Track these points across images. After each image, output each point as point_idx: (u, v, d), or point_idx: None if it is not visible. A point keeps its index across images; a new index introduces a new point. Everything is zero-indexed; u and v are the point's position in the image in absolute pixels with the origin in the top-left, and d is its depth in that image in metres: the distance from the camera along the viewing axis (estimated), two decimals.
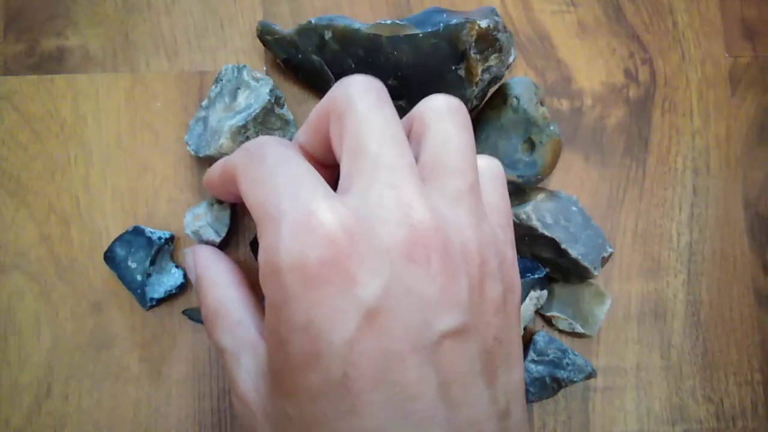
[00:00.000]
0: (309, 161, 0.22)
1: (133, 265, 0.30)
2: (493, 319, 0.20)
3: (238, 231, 0.32)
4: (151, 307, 0.30)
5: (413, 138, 0.21)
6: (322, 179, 0.20)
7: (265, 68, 0.33)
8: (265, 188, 0.19)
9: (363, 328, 0.17)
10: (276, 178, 0.19)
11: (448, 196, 0.20)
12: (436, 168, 0.20)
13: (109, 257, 0.30)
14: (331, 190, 0.19)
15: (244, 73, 0.30)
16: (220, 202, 0.29)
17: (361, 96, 0.20)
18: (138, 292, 0.29)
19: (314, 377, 0.18)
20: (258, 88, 0.30)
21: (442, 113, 0.21)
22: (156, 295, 0.30)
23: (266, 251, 0.18)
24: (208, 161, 0.31)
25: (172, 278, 0.30)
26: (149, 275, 0.30)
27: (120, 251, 0.30)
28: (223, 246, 0.31)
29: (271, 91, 0.30)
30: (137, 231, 0.30)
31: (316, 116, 0.22)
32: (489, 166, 0.23)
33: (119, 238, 0.30)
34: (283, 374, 0.19)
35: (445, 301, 0.18)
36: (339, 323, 0.17)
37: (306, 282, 0.17)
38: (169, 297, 0.30)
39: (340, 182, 0.20)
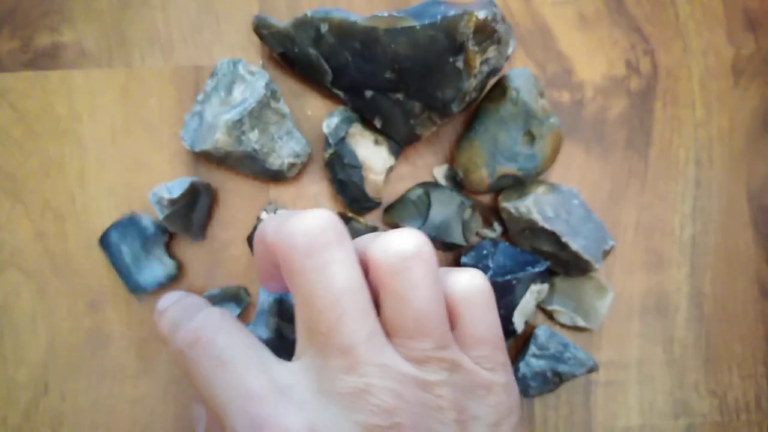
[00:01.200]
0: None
1: (126, 251, 0.29)
2: None
3: (233, 226, 0.32)
4: (139, 293, 0.30)
5: (372, 286, 0.20)
6: (267, 364, 0.18)
7: (261, 62, 0.33)
8: (209, 403, 0.18)
9: None
10: (215, 389, 0.18)
11: (413, 358, 0.19)
12: (397, 330, 0.19)
13: (104, 242, 0.30)
14: (282, 376, 0.18)
15: (240, 67, 0.30)
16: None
17: (305, 262, 0.18)
18: (130, 281, 0.29)
19: None
20: (253, 82, 0.30)
21: (397, 269, 0.19)
22: (145, 284, 0.29)
23: None
24: (203, 156, 0.31)
25: (164, 268, 0.30)
26: (136, 259, 0.29)
27: (114, 236, 0.30)
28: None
29: (266, 84, 0.30)
30: (134, 218, 0.30)
31: (259, 248, 0.20)
32: (469, 292, 0.20)
33: (115, 224, 0.30)
34: None
35: None
36: None
37: None
38: (161, 288, 0.30)
39: (298, 342, 0.19)
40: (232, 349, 0.19)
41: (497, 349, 0.21)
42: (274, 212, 0.31)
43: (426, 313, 0.19)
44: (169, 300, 0.22)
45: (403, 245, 0.19)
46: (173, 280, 0.31)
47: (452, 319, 0.20)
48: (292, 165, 0.31)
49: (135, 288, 0.30)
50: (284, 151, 0.30)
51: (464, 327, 0.20)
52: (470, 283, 0.21)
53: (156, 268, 0.30)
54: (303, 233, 0.19)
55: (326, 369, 0.18)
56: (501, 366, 0.21)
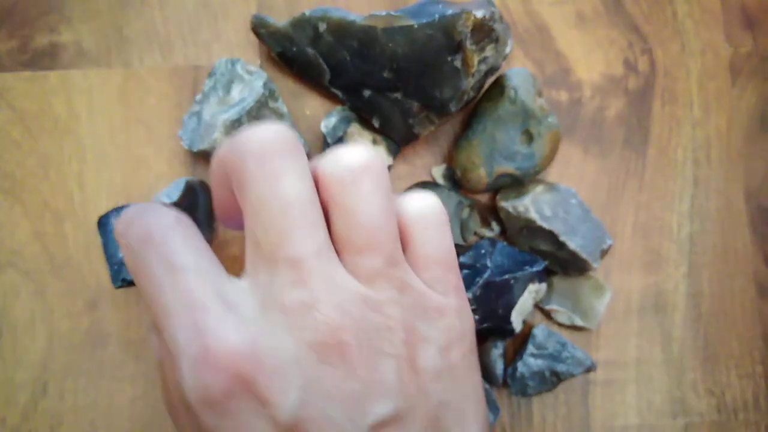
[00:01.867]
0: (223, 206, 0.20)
1: None
2: (435, 386, 0.19)
3: None
4: (120, 287, 0.29)
5: (323, 202, 0.19)
6: (217, 277, 0.18)
7: (259, 62, 0.33)
8: (152, 304, 0.18)
9: None
10: (163, 296, 0.17)
11: (362, 276, 0.18)
12: (346, 245, 0.18)
13: (102, 223, 0.29)
14: (231, 292, 0.18)
15: (238, 67, 0.30)
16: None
17: (257, 167, 0.18)
18: (114, 267, 0.29)
19: None
20: (252, 81, 0.30)
21: (346, 182, 0.18)
22: (129, 277, 0.29)
23: (174, 389, 0.18)
24: (202, 156, 0.31)
25: None
26: None
27: (113, 221, 0.29)
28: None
29: (264, 84, 0.30)
30: None
31: (215, 175, 0.20)
32: (421, 212, 0.20)
33: (118, 209, 0.29)
34: None
35: (371, 392, 0.17)
36: None
37: (218, 414, 0.17)
38: None
39: (246, 259, 0.19)
40: (184, 254, 0.18)
41: (450, 272, 0.20)
42: None
43: (375, 226, 0.18)
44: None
45: (354, 158, 0.18)
46: None
47: (404, 242, 0.20)
48: None
49: (115, 278, 0.29)
50: None
51: (416, 248, 0.20)
52: (422, 203, 0.20)
53: None
54: (256, 140, 0.18)
55: (273, 284, 0.17)
56: (453, 289, 0.20)
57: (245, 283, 0.18)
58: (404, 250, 0.20)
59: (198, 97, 0.31)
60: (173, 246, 0.18)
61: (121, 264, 0.29)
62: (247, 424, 0.17)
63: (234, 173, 0.18)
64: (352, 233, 0.18)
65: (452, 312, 0.20)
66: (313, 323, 0.17)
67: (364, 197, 0.18)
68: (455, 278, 0.21)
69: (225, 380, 0.16)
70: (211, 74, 0.31)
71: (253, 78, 0.30)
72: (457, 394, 0.19)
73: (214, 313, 0.17)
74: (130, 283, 0.29)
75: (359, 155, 0.19)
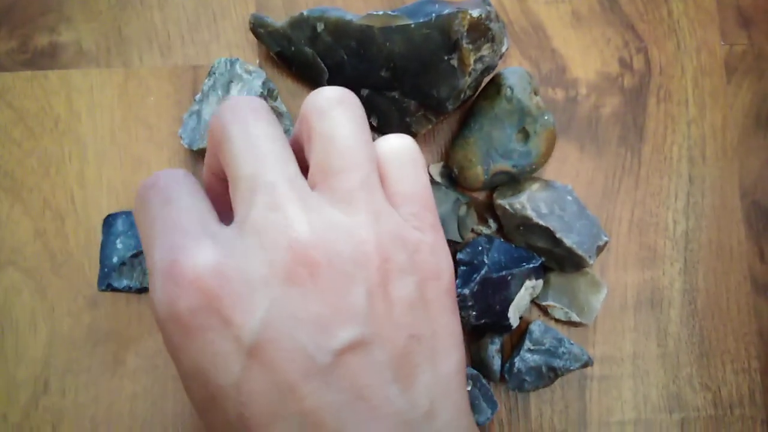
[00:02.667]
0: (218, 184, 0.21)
1: (119, 246, 0.29)
2: (406, 318, 0.19)
3: None
4: (103, 290, 0.29)
5: (304, 141, 0.20)
6: (206, 214, 0.19)
7: (258, 61, 0.33)
8: (144, 237, 0.19)
9: (248, 366, 0.17)
10: (154, 225, 0.19)
11: (338, 199, 0.19)
12: (323, 171, 0.19)
13: (108, 223, 0.30)
14: (214, 227, 0.19)
15: (237, 66, 0.30)
16: None
17: (231, 119, 0.19)
18: (104, 270, 0.29)
19: (215, 417, 0.18)
20: (250, 80, 0.30)
21: (323, 110, 0.20)
22: (114, 284, 0.29)
23: (150, 303, 0.18)
24: (202, 154, 0.31)
25: (142, 279, 0.30)
26: (123, 264, 0.29)
27: (119, 225, 0.30)
28: None
29: (263, 83, 0.30)
30: None
31: (209, 145, 0.21)
32: (397, 150, 0.21)
33: (128, 213, 0.30)
34: (197, 413, 0.19)
35: (338, 316, 0.17)
36: (223, 367, 0.17)
37: (182, 332, 0.17)
38: (128, 292, 0.30)
39: (233, 206, 0.20)
40: (180, 193, 0.19)
41: (426, 209, 0.21)
42: None
43: (350, 148, 0.19)
44: None
45: (330, 92, 0.20)
46: (144, 291, 0.31)
47: (381, 180, 0.20)
48: None
49: (102, 281, 0.29)
50: None
51: (391, 184, 0.20)
52: (397, 142, 0.21)
53: (134, 275, 0.30)
54: (231, 102, 0.20)
55: (250, 211, 0.18)
56: (429, 226, 0.20)
57: (231, 225, 0.19)
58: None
59: (198, 96, 0.31)
60: (172, 189, 0.19)
61: (112, 269, 0.29)
62: (211, 343, 0.17)
63: (214, 132, 0.20)
64: (329, 157, 0.19)
65: (427, 247, 0.20)
66: (286, 242, 0.17)
67: (339, 122, 0.19)
68: (432, 216, 0.21)
69: (190, 296, 0.17)
70: (210, 73, 0.31)
71: (251, 77, 0.30)
72: (428, 330, 0.19)
73: (192, 235, 0.18)
74: (114, 289, 0.29)
75: (335, 90, 0.20)
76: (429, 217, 0.21)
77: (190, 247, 0.17)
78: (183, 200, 0.19)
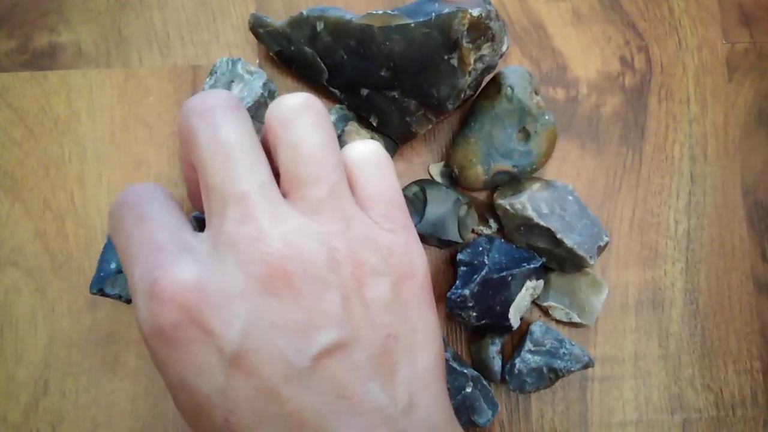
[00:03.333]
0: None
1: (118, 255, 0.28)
2: (383, 318, 0.19)
3: None
4: (94, 293, 0.28)
5: (271, 149, 0.21)
6: (180, 228, 0.19)
7: (258, 61, 0.33)
8: (122, 255, 0.19)
9: (231, 374, 0.17)
10: (130, 244, 0.19)
11: (308, 208, 0.19)
12: (292, 181, 0.20)
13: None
14: (190, 239, 0.19)
15: (239, 66, 0.30)
16: None
17: (198, 122, 0.19)
18: (100, 273, 0.28)
19: (203, 424, 0.18)
20: (251, 81, 0.30)
21: (287, 119, 0.20)
22: (107, 290, 0.28)
23: (136, 320, 0.19)
24: None
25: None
26: (120, 272, 0.28)
27: None
28: None
29: (264, 84, 0.30)
30: None
31: (181, 142, 0.21)
32: (363, 155, 0.21)
33: None
34: (186, 421, 0.20)
35: (315, 322, 0.18)
36: (207, 377, 0.18)
37: (167, 346, 0.18)
38: (118, 299, 0.29)
39: (206, 214, 0.20)
40: (152, 210, 0.19)
41: (395, 208, 0.21)
42: None
43: (317, 157, 0.19)
44: None
45: (292, 99, 0.20)
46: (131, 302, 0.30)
47: (351, 186, 0.21)
48: None
49: (95, 284, 0.28)
50: None
51: (360, 189, 0.21)
52: (363, 147, 0.21)
53: (127, 290, 0.29)
54: (197, 100, 0.20)
55: (223, 223, 0.18)
56: (401, 227, 0.21)
57: (205, 234, 0.19)
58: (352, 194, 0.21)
59: None
60: (144, 205, 0.20)
61: (108, 274, 0.28)
62: (195, 355, 0.18)
63: (183, 134, 0.20)
64: (297, 166, 0.19)
65: (400, 248, 0.20)
66: (259, 255, 0.18)
67: (305, 131, 0.20)
68: (402, 216, 0.21)
69: (172, 311, 0.17)
70: (211, 72, 0.31)
71: (253, 78, 0.30)
72: (406, 328, 0.20)
73: (169, 253, 0.18)
74: (105, 295, 0.28)
75: (298, 97, 0.20)
76: (399, 217, 0.21)
77: (168, 265, 0.18)
78: (155, 216, 0.19)
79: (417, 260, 0.21)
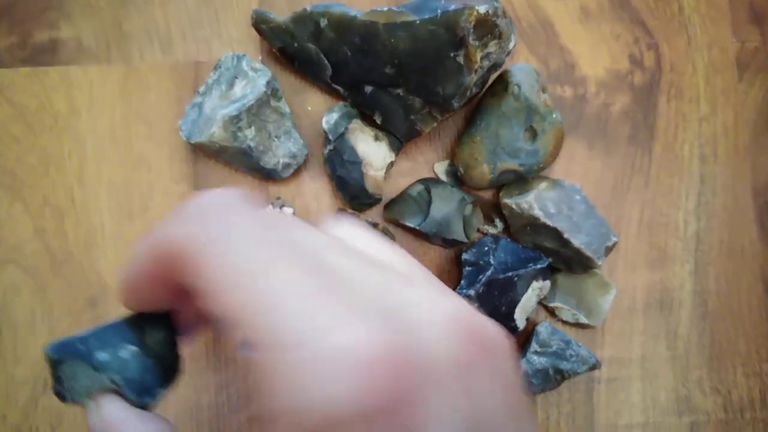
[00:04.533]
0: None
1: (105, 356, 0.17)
2: None
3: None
4: (50, 358, 0.17)
5: None
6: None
7: (260, 58, 0.33)
8: (248, 294, 0.12)
9: None
10: (263, 275, 0.13)
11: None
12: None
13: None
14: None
15: (244, 63, 0.30)
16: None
17: (217, 227, 0.13)
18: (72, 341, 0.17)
19: None
20: (255, 78, 0.30)
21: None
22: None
23: (293, 395, 0.12)
24: (200, 147, 0.30)
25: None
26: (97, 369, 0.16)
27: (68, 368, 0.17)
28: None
29: (267, 82, 0.29)
30: (82, 355, 0.16)
31: (146, 264, 0.15)
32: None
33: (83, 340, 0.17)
34: None
35: None
36: None
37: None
38: None
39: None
40: (270, 225, 0.14)
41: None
42: (281, 208, 0.31)
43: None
44: None
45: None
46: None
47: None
48: (287, 165, 0.31)
49: (57, 351, 0.19)
50: (280, 151, 0.30)
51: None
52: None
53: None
54: (204, 206, 0.14)
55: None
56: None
57: None
58: None
59: (201, 88, 0.30)
60: (247, 214, 0.14)
61: (79, 355, 0.17)
62: None
63: (185, 247, 0.14)
64: None
65: None
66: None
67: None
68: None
69: (389, 381, 0.12)
70: (216, 67, 0.30)
71: (257, 75, 0.29)
72: None
73: (342, 299, 0.13)
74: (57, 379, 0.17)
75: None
76: None
77: (357, 313, 0.12)
78: (284, 235, 0.14)
79: None
